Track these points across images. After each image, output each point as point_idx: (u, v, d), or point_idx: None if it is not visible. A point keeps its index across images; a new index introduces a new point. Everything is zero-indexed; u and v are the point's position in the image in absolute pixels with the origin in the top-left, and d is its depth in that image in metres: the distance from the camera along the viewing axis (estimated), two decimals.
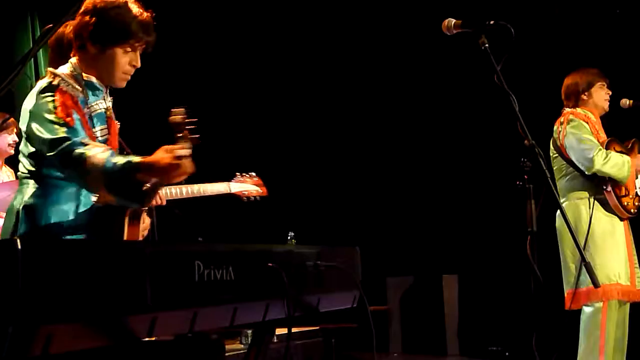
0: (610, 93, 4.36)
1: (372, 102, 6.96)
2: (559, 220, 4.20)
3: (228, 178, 4.28)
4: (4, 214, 4.12)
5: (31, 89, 2.38)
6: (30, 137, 2.29)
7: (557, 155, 4.30)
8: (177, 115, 2.10)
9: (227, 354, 4.01)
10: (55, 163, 2.26)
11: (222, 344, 2.20)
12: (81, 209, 2.32)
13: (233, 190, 4.29)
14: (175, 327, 1.84)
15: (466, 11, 3.22)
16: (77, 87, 2.36)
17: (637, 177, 4.27)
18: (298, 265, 2.18)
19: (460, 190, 6.60)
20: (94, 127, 2.38)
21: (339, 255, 2.41)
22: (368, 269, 2.68)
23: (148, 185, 2.17)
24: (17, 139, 4.27)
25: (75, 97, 2.33)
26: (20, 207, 2.28)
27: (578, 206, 4.16)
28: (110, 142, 2.46)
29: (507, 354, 5.92)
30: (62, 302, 1.48)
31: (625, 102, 4.37)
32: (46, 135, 2.23)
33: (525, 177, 2.60)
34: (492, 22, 2.59)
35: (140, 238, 2.42)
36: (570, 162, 4.22)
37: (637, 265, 4.21)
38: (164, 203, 3.62)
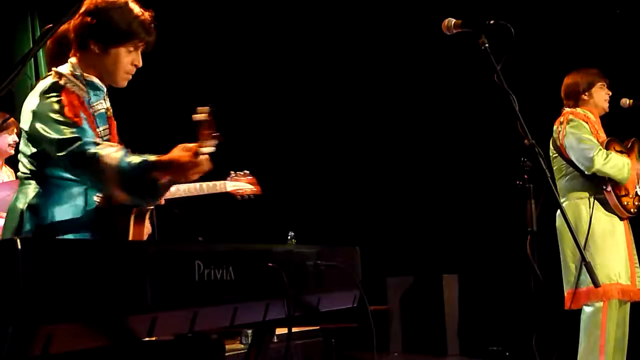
0: (610, 93, 4.36)
1: (373, 102, 6.96)
2: (559, 220, 4.20)
3: (222, 177, 4.27)
4: (3, 214, 4.13)
5: (31, 89, 2.37)
6: (34, 138, 2.28)
7: (557, 155, 4.30)
8: (202, 113, 2.11)
9: (227, 354, 4.01)
10: (64, 163, 2.25)
11: (222, 343, 2.20)
12: (86, 209, 2.32)
13: (228, 189, 4.30)
14: (175, 327, 1.84)
15: (466, 11, 3.22)
16: (82, 87, 2.36)
17: (638, 182, 4.27)
18: (298, 265, 2.18)
19: (460, 190, 6.60)
20: (98, 127, 2.39)
21: (339, 255, 2.41)
22: (368, 269, 2.68)
23: (162, 183, 2.18)
24: (17, 139, 4.27)
25: (82, 97, 2.33)
26: (25, 208, 2.26)
27: (578, 206, 4.16)
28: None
29: (507, 353, 5.92)
30: (63, 302, 1.48)
31: (626, 101, 4.37)
32: (54, 135, 2.21)
33: (525, 176, 2.60)
34: (492, 22, 2.59)
35: (145, 238, 2.42)
36: (570, 162, 4.22)
37: (638, 265, 4.21)
38: (163, 202, 3.62)
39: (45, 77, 2.37)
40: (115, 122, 2.53)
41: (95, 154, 2.19)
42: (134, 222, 2.34)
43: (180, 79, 6.69)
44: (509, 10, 5.07)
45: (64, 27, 2.40)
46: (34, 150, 2.30)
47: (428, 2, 6.02)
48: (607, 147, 4.18)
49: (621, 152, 4.25)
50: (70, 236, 2.26)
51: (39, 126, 2.25)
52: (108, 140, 2.43)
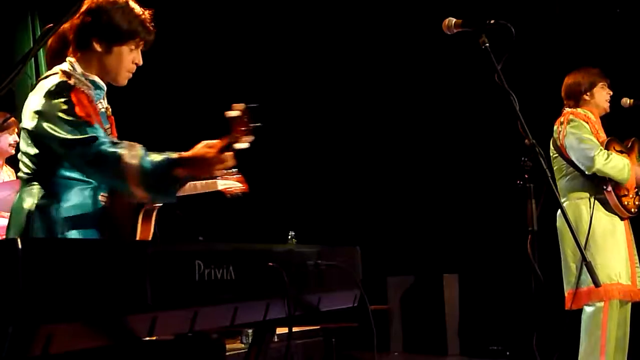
0: (612, 93, 4.36)
1: (373, 101, 6.97)
2: (559, 220, 4.20)
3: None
4: (4, 214, 4.13)
5: (32, 89, 2.36)
6: (40, 138, 2.25)
7: (557, 155, 4.30)
8: (237, 110, 2.12)
9: (227, 354, 4.01)
10: (77, 163, 2.23)
11: (222, 343, 2.20)
12: (94, 208, 2.32)
13: (219, 187, 4.30)
14: (175, 327, 1.84)
15: (466, 11, 3.22)
16: (89, 85, 2.35)
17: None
18: (298, 264, 2.18)
19: (460, 189, 6.60)
20: (103, 126, 2.38)
21: (339, 255, 2.41)
22: (369, 268, 2.68)
23: (182, 180, 2.20)
24: (17, 139, 4.26)
25: (91, 97, 2.32)
26: (33, 208, 2.24)
27: (578, 206, 4.16)
28: None
29: (507, 353, 5.93)
30: (63, 302, 1.48)
31: (626, 101, 4.37)
32: (66, 135, 2.19)
33: (526, 176, 2.60)
34: (492, 22, 2.59)
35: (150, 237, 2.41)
36: (570, 162, 4.22)
37: (638, 265, 4.21)
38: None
39: (47, 77, 2.33)
40: (114, 121, 2.53)
41: (114, 152, 2.17)
42: (141, 220, 2.34)
43: (179, 79, 6.69)
44: (509, 10, 5.07)
45: (65, 25, 2.39)
46: (38, 150, 2.28)
47: (428, 2, 6.02)
48: (607, 147, 4.18)
49: (621, 152, 4.25)
50: (80, 235, 2.26)
51: (46, 126, 2.22)
52: None
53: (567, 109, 4.32)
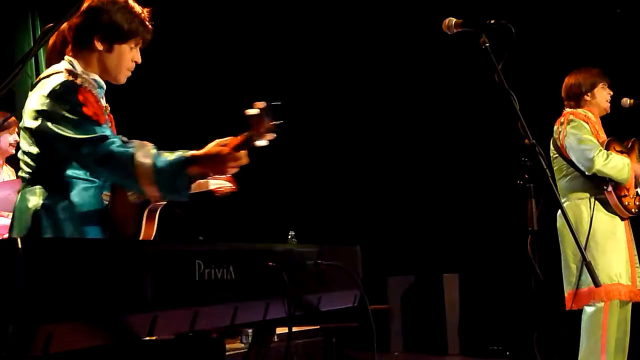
0: (612, 93, 4.36)
1: (373, 101, 6.97)
2: (560, 221, 4.20)
3: None
4: (4, 214, 4.14)
5: (32, 89, 2.36)
6: (44, 137, 2.24)
7: (557, 155, 4.29)
8: (257, 108, 2.10)
9: (227, 353, 4.01)
10: (86, 162, 2.22)
11: (222, 343, 2.20)
12: (99, 206, 2.31)
13: (211, 187, 4.31)
14: (175, 326, 1.84)
15: (467, 10, 3.22)
16: (94, 84, 2.35)
17: (638, 182, 4.27)
18: (299, 264, 2.18)
19: (461, 189, 6.60)
20: None
21: (339, 254, 2.41)
22: (369, 268, 2.68)
23: (193, 178, 2.19)
24: (18, 139, 4.26)
25: (97, 96, 2.32)
26: (39, 207, 2.23)
27: (579, 206, 4.16)
28: None
29: (508, 353, 5.93)
30: (63, 301, 1.48)
31: (626, 101, 4.37)
32: (73, 135, 2.18)
33: (526, 176, 2.60)
34: (492, 22, 2.59)
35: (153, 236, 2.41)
36: (570, 163, 4.22)
37: (638, 265, 4.21)
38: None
39: (49, 75, 2.32)
40: (113, 120, 2.53)
41: (127, 151, 2.16)
42: (145, 219, 2.33)
43: (179, 79, 6.69)
44: (509, 10, 5.07)
45: (64, 25, 2.39)
46: (41, 149, 2.27)
47: (428, 2, 6.02)
48: (607, 147, 4.18)
49: (621, 152, 4.25)
50: (87, 233, 2.25)
51: (51, 125, 2.20)
52: None
53: (568, 109, 4.32)
